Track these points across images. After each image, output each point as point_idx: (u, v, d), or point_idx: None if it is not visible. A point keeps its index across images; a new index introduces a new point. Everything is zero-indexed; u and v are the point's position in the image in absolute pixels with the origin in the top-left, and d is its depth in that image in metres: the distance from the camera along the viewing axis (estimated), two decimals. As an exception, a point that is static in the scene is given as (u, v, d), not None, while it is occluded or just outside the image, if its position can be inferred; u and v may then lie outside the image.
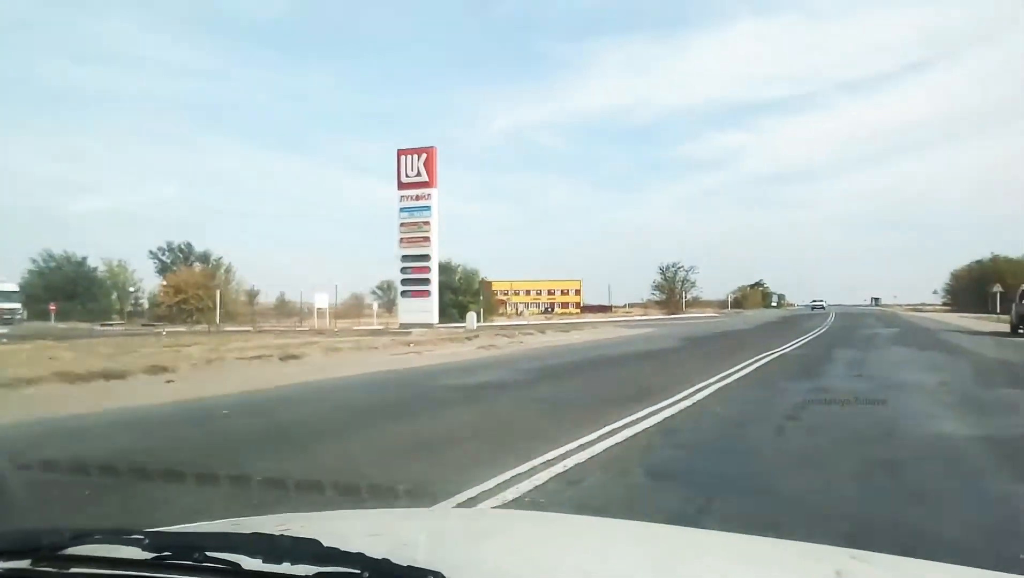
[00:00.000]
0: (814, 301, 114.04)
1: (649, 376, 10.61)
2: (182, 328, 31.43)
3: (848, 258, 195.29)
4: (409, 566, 0.84)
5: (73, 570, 0.91)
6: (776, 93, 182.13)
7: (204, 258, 48.26)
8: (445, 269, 36.21)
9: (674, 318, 52.76)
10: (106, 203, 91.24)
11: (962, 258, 79.18)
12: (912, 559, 1.32)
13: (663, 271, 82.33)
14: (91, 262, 45.38)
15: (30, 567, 0.91)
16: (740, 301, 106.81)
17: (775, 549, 1.35)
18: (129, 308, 46.10)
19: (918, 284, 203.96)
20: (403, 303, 30.02)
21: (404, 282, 29.61)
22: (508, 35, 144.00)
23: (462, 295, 41.42)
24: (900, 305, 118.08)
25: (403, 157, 29.54)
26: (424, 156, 29.34)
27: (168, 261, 48.63)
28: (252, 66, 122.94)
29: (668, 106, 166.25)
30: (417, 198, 29.22)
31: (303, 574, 0.84)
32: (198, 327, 32.64)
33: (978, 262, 75.57)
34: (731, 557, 1.23)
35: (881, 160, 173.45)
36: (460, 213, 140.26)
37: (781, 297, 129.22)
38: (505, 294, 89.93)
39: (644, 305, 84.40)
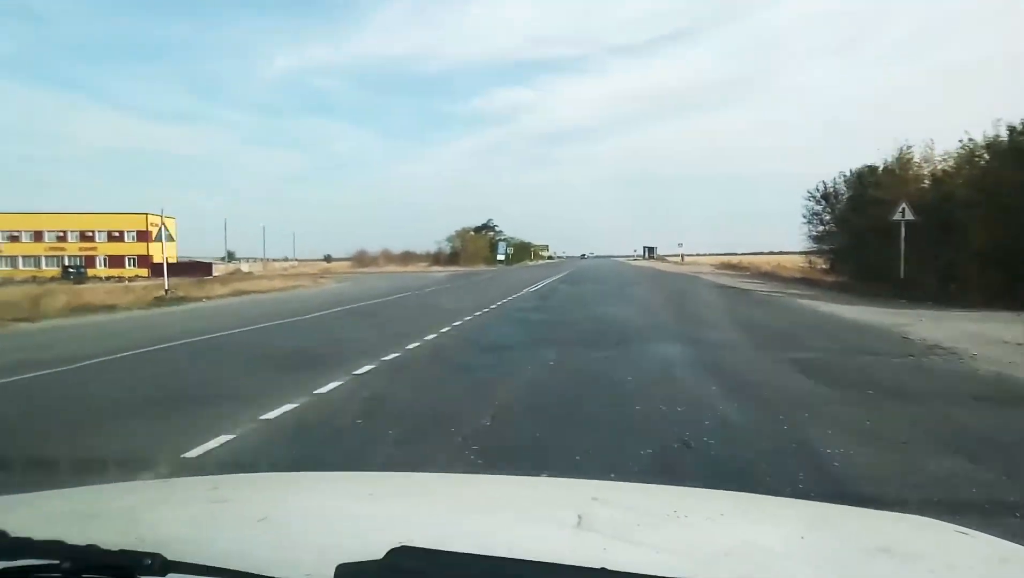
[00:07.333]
0: (583, 254, 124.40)
1: None
2: None
3: (620, 211, 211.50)
4: (121, 550, 0.72)
5: None
6: (555, 53, 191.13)
7: None
8: None
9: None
10: None
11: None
12: (659, 486, 1.41)
13: None
14: None
15: None
16: (456, 253, 67.40)
17: (526, 488, 1.40)
18: None
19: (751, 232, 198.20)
20: None
21: None
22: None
23: None
24: (703, 257, 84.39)
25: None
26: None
27: None
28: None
29: (454, 59, 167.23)
30: None
31: None
32: None
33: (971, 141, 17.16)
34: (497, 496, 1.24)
35: (647, 121, 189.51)
36: (239, 158, 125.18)
37: (519, 246, 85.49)
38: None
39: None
